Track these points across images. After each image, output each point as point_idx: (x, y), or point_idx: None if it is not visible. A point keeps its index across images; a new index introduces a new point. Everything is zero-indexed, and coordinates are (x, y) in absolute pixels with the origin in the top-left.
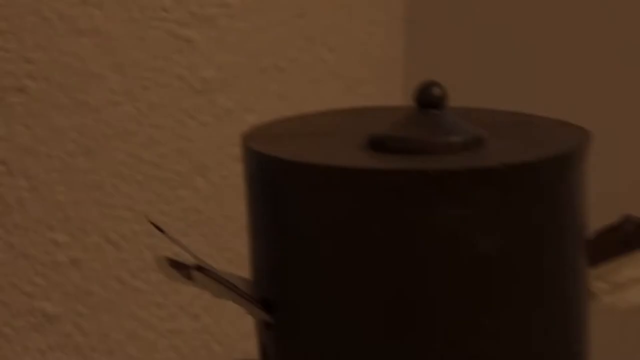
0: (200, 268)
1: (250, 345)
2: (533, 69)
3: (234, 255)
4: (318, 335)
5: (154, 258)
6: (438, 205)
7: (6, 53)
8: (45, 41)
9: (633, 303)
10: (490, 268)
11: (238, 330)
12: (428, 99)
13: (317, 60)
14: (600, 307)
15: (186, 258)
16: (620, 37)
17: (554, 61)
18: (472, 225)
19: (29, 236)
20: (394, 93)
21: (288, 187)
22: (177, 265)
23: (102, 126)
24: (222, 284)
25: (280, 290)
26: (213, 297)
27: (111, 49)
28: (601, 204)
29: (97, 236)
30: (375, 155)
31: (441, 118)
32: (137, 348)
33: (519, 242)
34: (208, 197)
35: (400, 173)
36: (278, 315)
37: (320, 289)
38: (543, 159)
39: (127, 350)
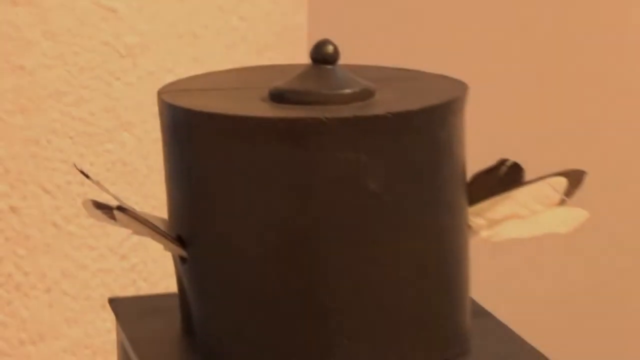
0: (121, 208)
1: (172, 282)
2: (421, 31)
3: (157, 202)
4: (225, 265)
5: (82, 202)
6: (331, 150)
7: None
8: None
9: (507, 236)
10: (378, 204)
11: (161, 269)
12: (322, 56)
13: (229, 27)
14: (477, 240)
15: (109, 200)
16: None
17: (439, 22)
18: (361, 167)
19: None
20: (299, 56)
21: (197, 135)
22: (101, 207)
23: (36, 87)
24: (141, 222)
25: (192, 227)
26: (136, 235)
27: (44, 17)
28: (480, 150)
29: (34, 186)
30: (275, 106)
31: (334, 73)
32: (72, 285)
33: (403, 182)
34: (133, 150)
35: (296, 121)
36: (191, 250)
37: (226, 225)
38: (424, 108)
39: (63, 287)
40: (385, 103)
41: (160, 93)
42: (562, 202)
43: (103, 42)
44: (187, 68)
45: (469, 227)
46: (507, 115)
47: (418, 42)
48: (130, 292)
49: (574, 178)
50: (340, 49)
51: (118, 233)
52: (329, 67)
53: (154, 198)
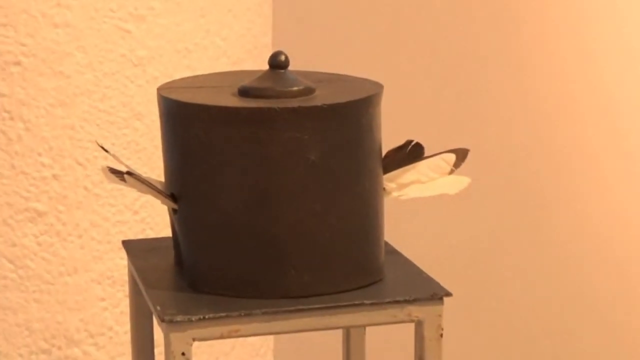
0: (129, 173)
1: (169, 230)
2: (352, 46)
3: (160, 171)
4: (205, 214)
5: (101, 168)
6: (282, 131)
7: (7, 38)
8: (33, 31)
9: (411, 196)
10: (315, 170)
11: (163, 221)
12: (276, 63)
13: (214, 45)
14: (390, 198)
15: (122, 167)
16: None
17: (365, 40)
18: (304, 143)
19: (25, 160)
20: (264, 67)
21: (184, 120)
22: (114, 172)
23: (72, 87)
24: (144, 184)
25: (181, 187)
26: (140, 193)
27: (77, 36)
28: (393, 132)
29: (70, 160)
30: (241, 99)
31: (285, 75)
32: (97, 232)
33: (334, 155)
34: (143, 134)
35: (256, 110)
36: (180, 204)
37: (206, 185)
38: (350, 101)
39: (91, 234)
40: (322, 98)
41: (158, 89)
42: (451, 172)
43: (121, 54)
44: (182, 74)
45: (384, 189)
46: (413, 107)
47: (350, 55)
48: (141, 236)
49: (461, 154)
50: (295, 59)
51: (132, 195)
52: (281, 71)
53: (158, 169)
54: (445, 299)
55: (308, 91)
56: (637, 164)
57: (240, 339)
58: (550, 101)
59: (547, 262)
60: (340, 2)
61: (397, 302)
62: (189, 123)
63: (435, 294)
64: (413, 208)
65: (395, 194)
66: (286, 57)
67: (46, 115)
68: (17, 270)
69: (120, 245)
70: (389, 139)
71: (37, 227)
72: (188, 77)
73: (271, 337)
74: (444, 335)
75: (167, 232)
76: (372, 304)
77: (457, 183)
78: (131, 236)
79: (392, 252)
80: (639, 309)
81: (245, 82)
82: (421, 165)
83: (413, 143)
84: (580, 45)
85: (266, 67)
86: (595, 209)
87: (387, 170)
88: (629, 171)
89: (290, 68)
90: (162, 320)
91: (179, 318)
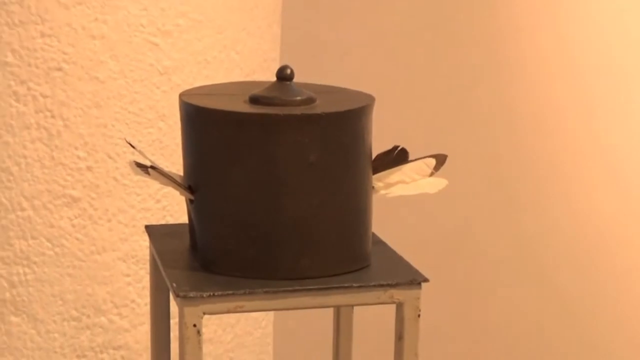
0: (153, 167)
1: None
2: (352, 60)
3: (180, 166)
4: (217, 204)
5: (128, 162)
6: (286, 134)
7: (51, 47)
8: (74, 41)
9: (396, 194)
10: (314, 169)
11: (181, 209)
12: (282, 75)
13: (229, 58)
14: (378, 196)
15: (146, 162)
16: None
17: (360, 52)
18: (304, 146)
19: (63, 153)
20: (273, 78)
21: (201, 122)
22: (140, 165)
23: (105, 91)
24: (165, 176)
25: (198, 180)
26: (161, 185)
27: (111, 47)
28: (382, 138)
29: (103, 154)
30: (251, 106)
31: (290, 87)
32: (124, 217)
33: (330, 156)
34: (166, 133)
35: (264, 115)
36: (196, 195)
37: (219, 179)
38: (346, 110)
39: (119, 218)
40: (321, 107)
41: (180, 95)
42: (431, 174)
43: (149, 64)
44: (201, 83)
45: (373, 187)
46: (401, 117)
47: (347, 69)
48: (160, 223)
49: (440, 159)
50: (299, 72)
51: (154, 186)
52: (287, 82)
53: (178, 164)
54: (423, 284)
55: (310, 101)
56: (594, 165)
57: (245, 314)
58: (517, 112)
59: (512, 252)
60: (339, 23)
61: (381, 285)
62: (206, 125)
63: (414, 280)
64: (398, 204)
65: (382, 191)
66: (291, 71)
67: (83, 115)
68: (54, 248)
69: (144, 229)
70: (379, 144)
71: (72, 211)
72: (206, 86)
73: (271, 312)
74: (421, 316)
75: (184, 219)
76: (359, 287)
77: (437, 184)
78: (153, 222)
79: (378, 242)
80: (602, 292)
81: (255, 91)
82: (406, 167)
83: (399, 148)
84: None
85: (274, 78)
86: (558, 202)
87: (376, 171)
88: (588, 169)
89: (295, 80)
90: (177, 295)
91: (191, 294)
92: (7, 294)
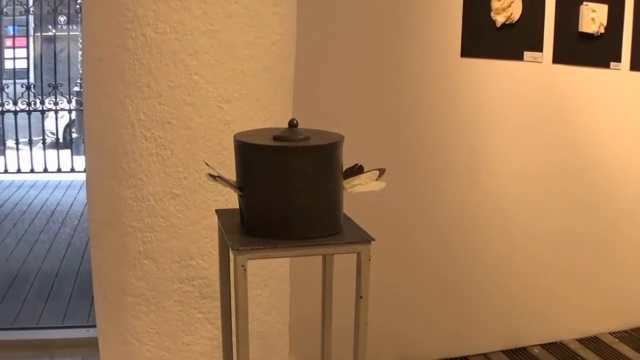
0: (219, 176)
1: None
2: (333, 115)
3: (234, 176)
4: (254, 198)
5: (205, 175)
6: (293, 158)
7: (163, 110)
8: (176, 107)
9: (357, 192)
10: (310, 178)
11: (236, 200)
12: (291, 124)
13: (264, 116)
14: (347, 192)
15: (215, 173)
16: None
17: (341, 107)
18: (304, 164)
19: (171, 169)
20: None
21: (244, 151)
22: (211, 176)
23: (194, 135)
24: (226, 181)
25: (243, 184)
26: (224, 186)
27: (198, 110)
28: (349, 159)
29: (192, 169)
30: (274, 141)
31: (296, 130)
32: (205, 205)
33: (319, 170)
34: (227, 157)
35: (281, 147)
36: (243, 192)
37: (254, 183)
38: (327, 144)
39: (202, 206)
40: (314, 141)
41: (234, 136)
42: (377, 179)
43: (218, 118)
44: (248, 128)
45: (343, 187)
46: (360, 146)
47: (329, 119)
48: (224, 208)
49: (382, 171)
50: (302, 122)
51: (220, 187)
52: (294, 128)
53: (233, 175)
54: (372, 242)
55: (307, 139)
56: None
57: (272, 269)
58: (444, 122)
59: (425, 222)
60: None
61: (349, 242)
62: (247, 153)
63: (367, 239)
64: (358, 197)
65: (349, 190)
66: (297, 122)
67: (181, 148)
68: (165, 222)
69: (214, 212)
70: (347, 162)
71: (175, 202)
72: (249, 130)
73: (287, 259)
74: (371, 261)
75: (236, 205)
76: (336, 244)
77: (379, 185)
78: (220, 207)
79: (346, 218)
80: (519, 255)
81: (276, 133)
82: (362, 176)
83: (358, 165)
84: None
85: (287, 126)
86: (472, 191)
87: (345, 177)
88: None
89: (299, 126)
90: (232, 248)
91: (240, 248)
92: (141, 248)
